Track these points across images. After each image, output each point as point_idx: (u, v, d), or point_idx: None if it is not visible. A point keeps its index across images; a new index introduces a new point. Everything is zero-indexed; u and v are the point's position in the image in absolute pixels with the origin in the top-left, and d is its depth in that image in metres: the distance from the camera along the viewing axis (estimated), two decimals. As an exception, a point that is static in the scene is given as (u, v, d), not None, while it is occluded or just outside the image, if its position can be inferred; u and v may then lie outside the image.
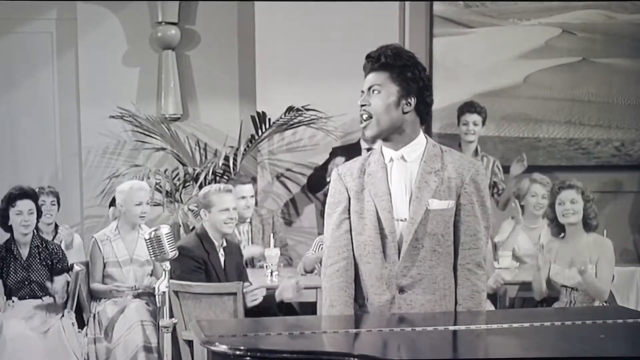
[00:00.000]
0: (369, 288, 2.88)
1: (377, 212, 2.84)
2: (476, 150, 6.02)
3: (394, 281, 2.84)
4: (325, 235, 2.99)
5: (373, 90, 2.85)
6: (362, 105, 2.85)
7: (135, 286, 5.25)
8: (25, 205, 5.08)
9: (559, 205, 4.83)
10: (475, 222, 2.86)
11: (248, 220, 5.71)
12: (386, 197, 2.85)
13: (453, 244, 2.86)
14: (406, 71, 2.83)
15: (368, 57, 2.89)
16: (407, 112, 2.85)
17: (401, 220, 2.84)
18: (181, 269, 4.60)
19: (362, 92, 2.88)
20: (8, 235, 5.20)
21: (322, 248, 4.78)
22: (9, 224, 5.12)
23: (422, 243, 2.82)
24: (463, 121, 5.98)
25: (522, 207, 5.79)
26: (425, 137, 2.92)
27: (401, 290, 2.84)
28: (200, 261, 4.67)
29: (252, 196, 5.73)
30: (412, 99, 2.84)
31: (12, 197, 5.09)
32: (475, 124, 5.96)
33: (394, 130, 2.85)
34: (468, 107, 6.01)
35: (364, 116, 2.85)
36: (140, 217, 5.31)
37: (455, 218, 2.85)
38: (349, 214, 2.91)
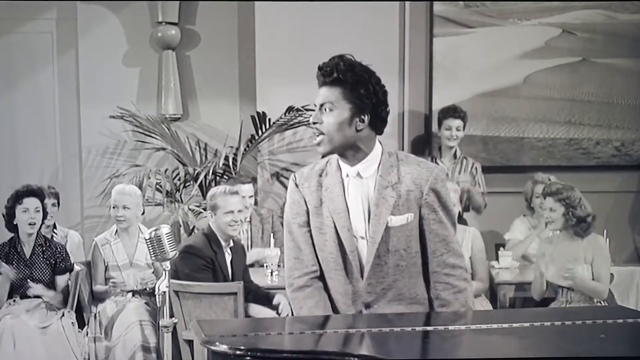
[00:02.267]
0: (336, 302, 2.86)
1: (336, 229, 2.79)
2: (455, 154, 6.04)
3: (358, 297, 2.82)
4: (286, 245, 2.92)
5: (325, 108, 2.75)
6: (314, 123, 2.77)
7: (135, 289, 5.26)
8: (32, 203, 5.10)
9: (543, 211, 4.87)
10: (442, 228, 2.81)
11: (247, 219, 5.72)
12: (344, 214, 2.79)
13: (419, 254, 2.82)
14: (360, 88, 2.72)
15: (320, 68, 2.78)
16: (360, 130, 2.75)
17: (361, 238, 2.79)
18: (189, 267, 4.62)
19: (315, 106, 2.79)
20: (10, 235, 5.21)
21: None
22: (14, 223, 5.13)
23: (385, 260, 2.79)
24: (446, 126, 6.00)
25: (531, 208, 5.80)
26: (381, 147, 2.83)
27: (367, 305, 2.83)
28: (208, 260, 4.69)
29: (251, 196, 5.73)
30: (366, 116, 2.75)
31: (20, 195, 5.11)
32: (458, 129, 5.99)
33: (347, 147, 2.77)
34: (451, 112, 6.02)
35: (317, 133, 2.77)
36: (117, 220, 5.32)
37: (420, 228, 2.80)
38: (309, 226, 2.86)
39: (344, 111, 2.74)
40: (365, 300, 2.82)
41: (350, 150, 2.78)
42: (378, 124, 2.79)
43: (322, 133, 2.76)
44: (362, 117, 2.75)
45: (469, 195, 5.91)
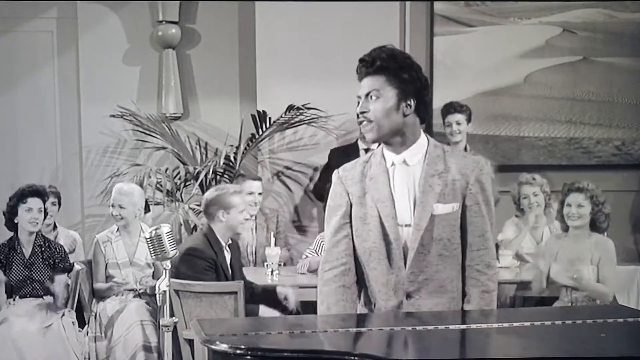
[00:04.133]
0: (376, 293, 2.85)
1: (380, 218, 2.80)
2: (465, 149, 6.01)
3: (400, 287, 2.81)
4: (325, 239, 2.96)
5: (371, 96, 2.78)
6: (361, 112, 2.80)
7: (135, 288, 5.27)
8: (35, 203, 5.11)
9: (567, 206, 4.83)
10: (483, 223, 2.83)
11: (253, 217, 5.72)
12: (389, 202, 2.80)
13: (460, 246, 2.83)
14: (403, 73, 2.77)
15: (362, 60, 2.82)
16: (407, 115, 2.79)
17: (405, 225, 2.80)
18: (194, 269, 4.62)
19: (359, 97, 2.82)
20: (9, 234, 5.21)
21: (323, 246, 4.79)
22: (15, 222, 5.13)
23: (428, 249, 2.79)
24: (447, 122, 5.98)
25: (521, 210, 5.79)
26: (427, 138, 2.87)
27: (408, 295, 2.82)
28: (211, 261, 4.69)
29: (260, 193, 5.74)
30: (412, 101, 2.79)
31: (25, 194, 5.11)
32: (458, 124, 5.93)
33: (395, 134, 2.80)
34: (448, 107, 6.01)
35: (364, 122, 2.80)
36: (114, 218, 5.34)
37: (461, 220, 2.82)
38: (350, 218, 2.87)
39: (390, 97, 2.78)
40: (407, 290, 2.81)
41: (397, 137, 2.81)
42: (422, 110, 2.83)
43: (369, 121, 2.79)
44: (408, 101, 2.79)
45: None
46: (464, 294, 2.87)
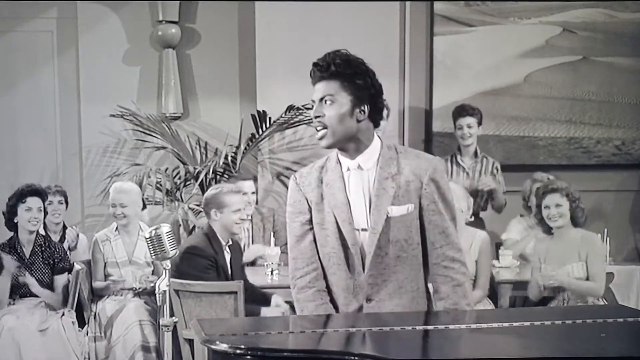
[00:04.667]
0: (337, 297, 2.87)
1: (337, 224, 2.82)
2: (475, 152, 5.99)
3: (360, 291, 2.83)
4: (289, 245, 2.95)
5: (325, 101, 2.79)
6: (316, 117, 2.81)
7: (135, 287, 5.27)
8: (35, 202, 5.11)
9: (545, 208, 4.86)
10: (442, 220, 2.84)
11: (249, 217, 5.72)
12: (345, 207, 2.82)
13: (419, 246, 2.84)
14: (357, 79, 2.78)
15: (316, 64, 2.84)
16: (361, 121, 2.80)
17: (362, 230, 2.82)
18: (195, 268, 4.62)
19: (313, 101, 2.83)
20: (7, 235, 5.21)
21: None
22: (15, 221, 5.13)
23: (385, 251, 2.81)
24: (458, 125, 5.97)
25: (529, 207, 5.79)
26: (380, 140, 2.88)
27: (368, 299, 2.84)
28: (211, 260, 4.69)
29: (253, 192, 5.74)
30: (366, 106, 2.80)
31: (24, 194, 5.11)
32: (469, 127, 5.92)
33: (349, 140, 2.81)
34: (460, 110, 5.99)
35: (319, 127, 2.80)
36: (115, 217, 5.34)
37: (420, 220, 2.83)
38: (312, 224, 2.88)
39: (344, 103, 2.79)
40: (367, 293, 2.83)
41: (351, 143, 2.82)
42: (376, 116, 2.84)
43: (324, 127, 2.79)
44: (362, 107, 2.80)
45: (495, 194, 5.88)
46: (428, 293, 2.88)
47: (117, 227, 5.40)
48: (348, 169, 2.85)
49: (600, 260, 4.83)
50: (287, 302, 4.69)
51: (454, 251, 2.86)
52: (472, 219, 5.21)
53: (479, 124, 5.97)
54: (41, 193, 5.19)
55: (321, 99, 2.81)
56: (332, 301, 2.89)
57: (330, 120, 2.78)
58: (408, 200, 2.81)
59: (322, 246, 2.87)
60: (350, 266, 2.83)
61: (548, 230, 4.93)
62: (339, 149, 2.85)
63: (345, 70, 2.79)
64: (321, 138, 2.81)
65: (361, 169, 2.84)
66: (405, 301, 2.84)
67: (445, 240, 2.84)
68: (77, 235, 5.84)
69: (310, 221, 2.89)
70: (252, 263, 5.52)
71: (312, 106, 2.84)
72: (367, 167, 2.83)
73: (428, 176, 2.82)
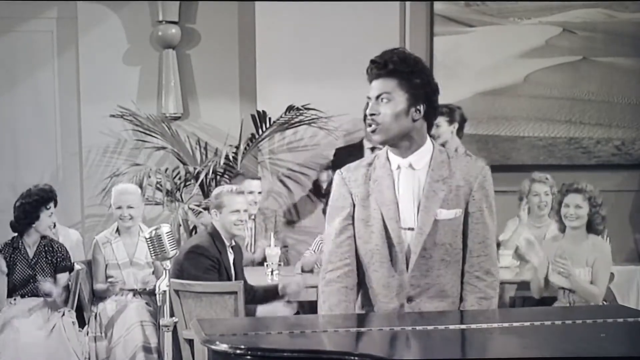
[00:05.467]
0: (376, 295, 2.85)
1: (383, 221, 2.80)
2: (455, 151, 5.97)
3: (402, 290, 2.81)
4: (327, 239, 2.94)
5: (382, 99, 2.77)
6: (371, 115, 2.79)
7: (136, 288, 5.27)
8: (52, 206, 5.16)
9: (565, 207, 4.83)
10: (484, 229, 2.83)
11: (253, 217, 5.72)
12: (393, 205, 2.80)
13: (462, 251, 2.83)
14: (414, 78, 2.77)
15: (373, 62, 2.80)
16: (416, 120, 2.79)
17: (408, 229, 2.80)
18: (196, 268, 4.62)
19: (369, 98, 2.81)
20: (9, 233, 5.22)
21: (322, 248, 4.79)
22: (28, 224, 5.11)
23: (430, 253, 2.79)
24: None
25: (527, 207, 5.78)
26: (432, 143, 2.87)
27: (409, 299, 2.82)
28: (215, 260, 4.69)
29: (259, 192, 5.74)
30: (422, 106, 2.79)
31: (45, 199, 5.13)
32: (437, 126, 5.82)
33: (402, 138, 2.80)
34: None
35: (372, 125, 2.79)
36: (121, 219, 5.34)
37: (463, 226, 2.82)
38: (353, 220, 2.86)
39: (401, 101, 2.77)
40: (409, 293, 2.81)
41: (404, 141, 2.81)
42: (431, 115, 2.84)
43: (378, 124, 2.78)
44: (418, 107, 2.79)
45: None
46: (461, 300, 2.87)
47: (117, 229, 5.39)
48: (398, 167, 2.83)
49: (606, 267, 4.80)
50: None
51: (490, 264, 2.85)
52: None
53: (451, 122, 5.85)
54: (54, 195, 5.21)
55: (378, 97, 2.78)
56: (369, 299, 2.87)
57: (385, 118, 2.77)
58: (457, 205, 2.80)
59: (365, 242, 2.85)
60: (394, 264, 2.81)
61: (563, 229, 4.91)
62: (391, 145, 2.83)
63: (402, 68, 2.76)
64: (373, 132, 2.79)
65: (412, 169, 2.82)
66: (446, 305, 2.83)
67: (483, 250, 2.83)
68: (65, 234, 5.83)
69: (352, 217, 2.87)
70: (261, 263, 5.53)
71: (368, 103, 2.82)
72: (419, 167, 2.82)
73: (478, 183, 2.82)
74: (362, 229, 2.85)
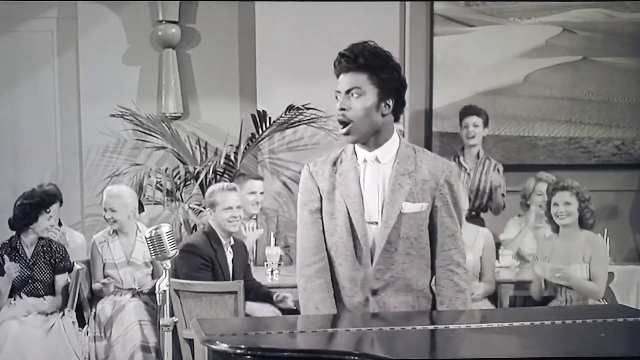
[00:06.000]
0: (342, 289, 2.86)
1: (348, 214, 2.81)
2: (478, 154, 5.98)
3: (366, 283, 2.83)
4: (298, 234, 2.94)
5: (352, 94, 2.78)
6: (341, 109, 2.79)
7: (134, 288, 5.27)
8: (54, 208, 5.18)
9: (554, 206, 4.85)
10: (452, 223, 2.85)
11: (254, 217, 5.71)
12: (358, 198, 2.81)
13: (428, 246, 2.85)
14: (384, 72, 2.77)
15: (342, 55, 2.80)
16: (385, 115, 2.80)
17: (373, 223, 2.81)
18: (188, 267, 4.62)
19: (338, 92, 2.81)
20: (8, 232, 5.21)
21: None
22: (26, 225, 5.10)
23: (395, 247, 2.80)
24: (464, 124, 5.97)
25: (527, 205, 5.79)
26: (398, 137, 2.88)
27: (374, 292, 2.83)
28: (207, 259, 4.69)
29: (262, 192, 5.74)
30: (391, 100, 2.80)
31: (47, 202, 5.12)
32: (475, 125, 5.92)
33: (372, 134, 2.81)
34: (467, 109, 6.00)
35: (342, 120, 2.79)
36: (106, 220, 5.35)
37: (431, 220, 2.84)
38: (321, 213, 2.87)
39: (371, 96, 2.78)
40: (373, 286, 2.82)
41: (373, 136, 2.82)
42: (399, 110, 2.84)
43: (348, 122, 2.78)
44: (388, 101, 2.79)
45: (495, 195, 5.86)
46: (433, 294, 2.87)
47: (114, 230, 5.40)
48: (364, 161, 2.84)
49: (603, 262, 4.82)
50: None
51: (461, 256, 2.87)
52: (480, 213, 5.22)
53: (485, 124, 5.97)
54: (58, 197, 5.20)
55: (347, 91, 2.79)
56: (337, 292, 2.87)
57: (356, 113, 2.77)
58: (422, 199, 2.81)
59: (330, 235, 2.86)
60: (358, 258, 2.82)
61: (556, 229, 4.92)
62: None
63: (373, 63, 2.76)
64: (346, 134, 2.80)
65: (379, 162, 2.83)
66: (410, 299, 2.84)
67: (453, 244, 2.85)
68: (64, 234, 5.83)
69: (320, 210, 2.87)
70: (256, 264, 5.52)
71: (337, 97, 2.81)
72: (385, 161, 2.83)
73: (444, 178, 2.83)
74: (328, 222, 2.86)
